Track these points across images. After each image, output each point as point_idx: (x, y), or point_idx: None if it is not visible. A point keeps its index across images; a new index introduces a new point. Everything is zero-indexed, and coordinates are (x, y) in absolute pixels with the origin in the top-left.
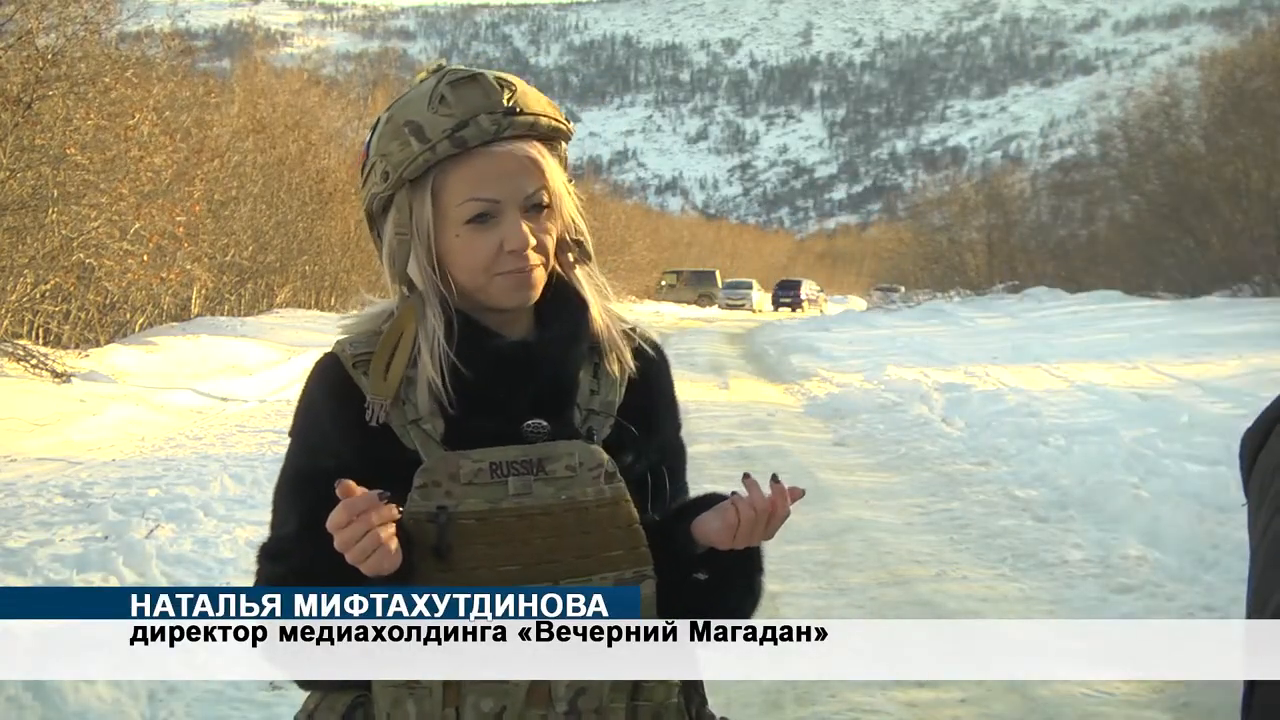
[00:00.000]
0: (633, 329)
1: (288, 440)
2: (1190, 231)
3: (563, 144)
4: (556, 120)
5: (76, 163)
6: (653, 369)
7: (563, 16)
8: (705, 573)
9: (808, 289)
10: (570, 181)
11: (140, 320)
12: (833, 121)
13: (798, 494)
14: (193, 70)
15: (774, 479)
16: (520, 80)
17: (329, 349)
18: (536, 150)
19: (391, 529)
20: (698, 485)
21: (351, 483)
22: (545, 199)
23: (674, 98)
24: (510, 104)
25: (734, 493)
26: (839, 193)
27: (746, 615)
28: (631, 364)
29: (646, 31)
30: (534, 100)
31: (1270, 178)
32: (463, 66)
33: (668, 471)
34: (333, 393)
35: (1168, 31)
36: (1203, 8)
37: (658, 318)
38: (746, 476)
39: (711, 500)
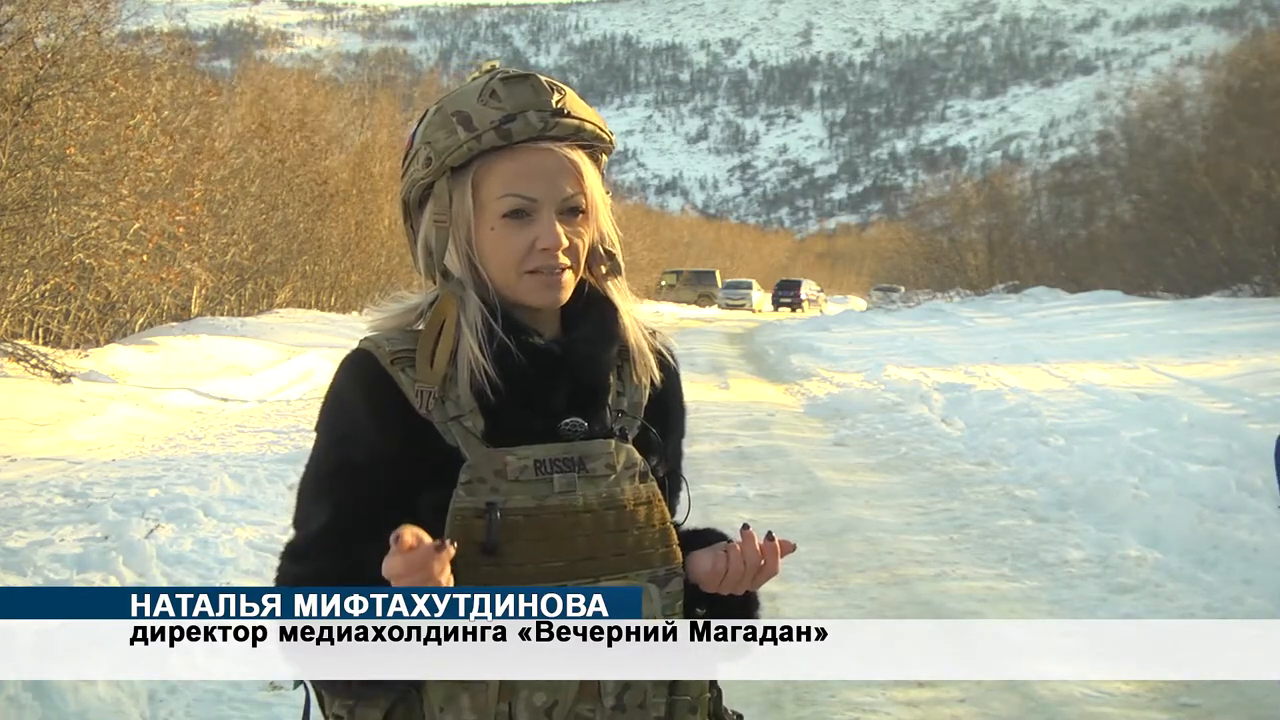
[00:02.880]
0: (653, 333)
1: (291, 439)
2: (1190, 231)
3: (604, 156)
4: (601, 129)
5: (76, 163)
6: (671, 375)
7: (563, 16)
8: (704, 609)
9: (808, 289)
10: (608, 194)
11: (140, 320)
12: (833, 121)
13: (789, 548)
14: (193, 70)
15: (769, 535)
16: (570, 88)
17: (358, 345)
18: (578, 155)
19: (445, 569)
20: (697, 485)
21: (409, 534)
22: (582, 204)
23: (674, 98)
24: (558, 105)
25: (729, 542)
26: (839, 193)
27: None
28: (656, 371)
29: (646, 31)
30: (581, 107)
31: (1270, 178)
32: (516, 68)
33: (672, 476)
34: (369, 389)
35: (1168, 31)
36: (1203, 8)
37: (658, 318)
38: (745, 528)
39: (709, 536)
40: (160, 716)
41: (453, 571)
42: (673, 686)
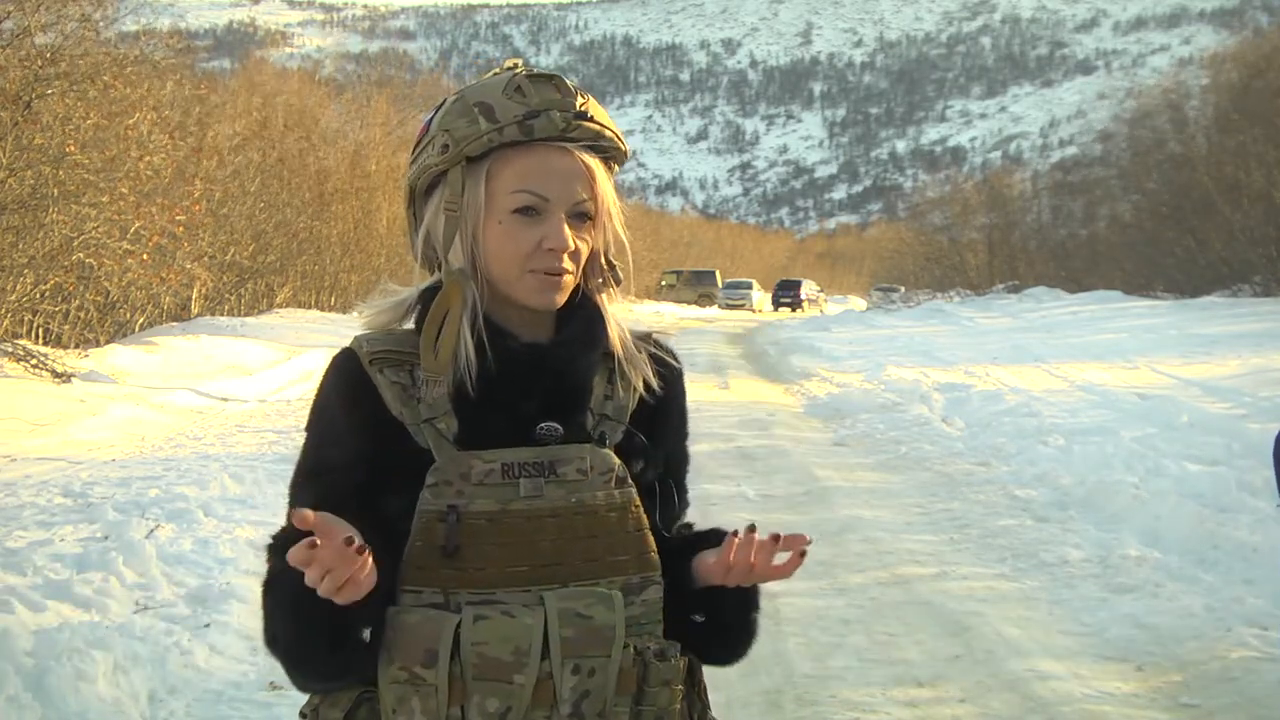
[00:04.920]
0: (648, 336)
1: (291, 439)
2: (1190, 231)
3: (615, 166)
4: (618, 139)
5: (76, 162)
6: (670, 379)
7: (563, 16)
8: (702, 614)
9: (808, 289)
10: (619, 204)
11: (140, 320)
12: (833, 121)
13: (802, 541)
14: (193, 70)
15: (774, 537)
16: (591, 96)
17: (347, 344)
18: (594, 161)
19: (360, 561)
20: (697, 486)
21: (309, 514)
22: (591, 210)
23: (674, 98)
24: (581, 108)
25: (735, 532)
26: (839, 193)
27: (741, 655)
28: (651, 377)
29: (646, 31)
30: (601, 114)
31: (1271, 178)
32: (541, 68)
33: (673, 480)
34: (347, 390)
35: (1168, 31)
36: (1203, 8)
37: (658, 318)
38: (751, 529)
39: (714, 537)
40: (160, 716)
41: (415, 573)
42: (638, 696)
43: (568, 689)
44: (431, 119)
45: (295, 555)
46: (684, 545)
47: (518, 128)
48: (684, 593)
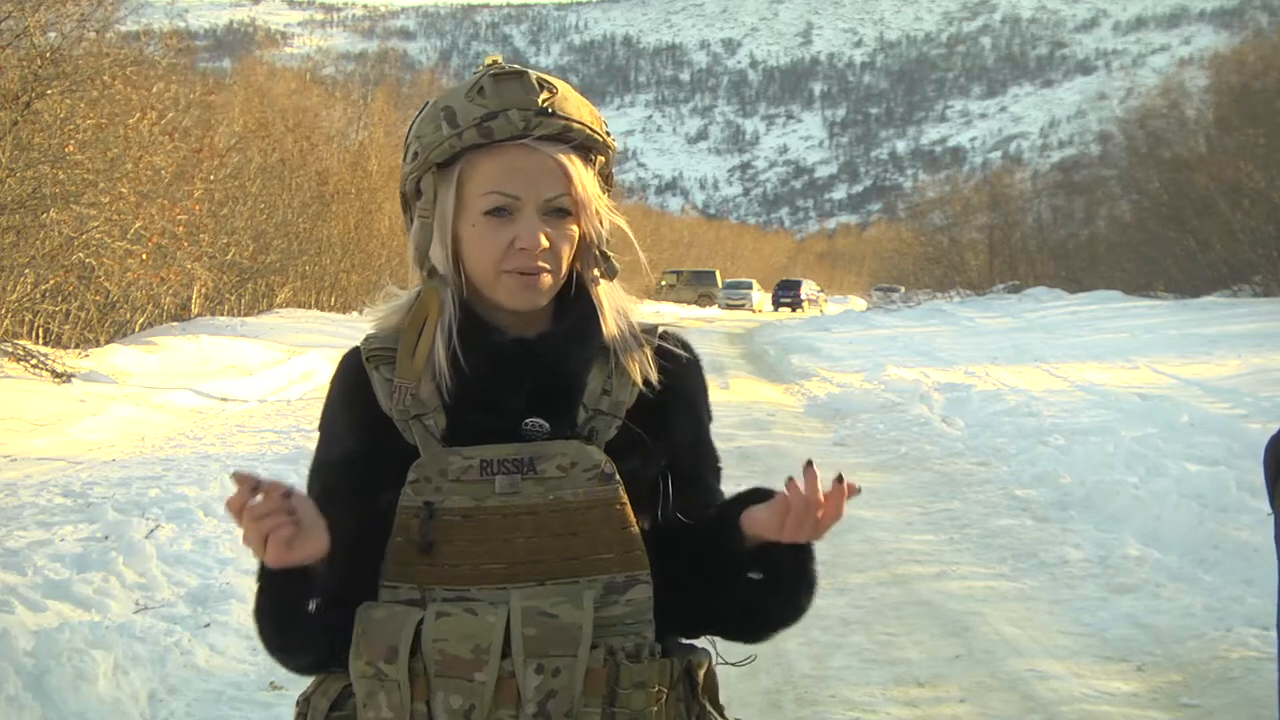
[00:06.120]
0: (655, 329)
1: (291, 439)
2: (1190, 231)
3: (601, 156)
4: (592, 130)
5: (76, 162)
6: (677, 371)
7: (563, 16)
8: (759, 571)
9: (808, 289)
10: (607, 193)
11: (140, 320)
12: (833, 121)
13: (853, 490)
14: (193, 70)
15: (838, 478)
16: (568, 86)
17: (358, 343)
18: (566, 156)
19: (276, 523)
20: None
21: (243, 473)
22: (568, 205)
23: (674, 98)
24: (545, 104)
25: (790, 479)
26: (839, 193)
27: (803, 608)
28: (653, 371)
29: (646, 31)
30: (573, 106)
31: (1271, 178)
32: (513, 64)
33: (685, 475)
34: (346, 386)
35: (1168, 31)
36: (1203, 8)
37: (658, 318)
38: (809, 465)
39: (760, 495)
40: (160, 716)
41: (394, 568)
42: (610, 697)
43: (531, 688)
44: (411, 125)
45: (231, 502)
46: (727, 505)
47: (476, 130)
48: (735, 552)
